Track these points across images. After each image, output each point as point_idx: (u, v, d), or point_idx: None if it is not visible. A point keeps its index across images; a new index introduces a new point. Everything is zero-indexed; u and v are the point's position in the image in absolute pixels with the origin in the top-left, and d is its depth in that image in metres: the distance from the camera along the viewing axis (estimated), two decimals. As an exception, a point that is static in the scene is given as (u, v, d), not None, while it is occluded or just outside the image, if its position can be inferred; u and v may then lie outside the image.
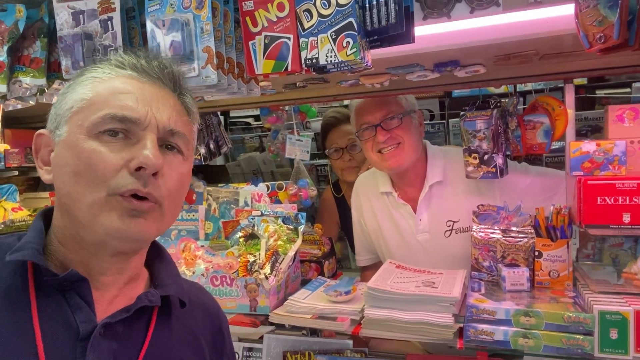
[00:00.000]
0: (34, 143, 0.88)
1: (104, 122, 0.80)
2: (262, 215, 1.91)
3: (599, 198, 1.36)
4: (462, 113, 1.74)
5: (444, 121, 3.11)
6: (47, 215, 0.89)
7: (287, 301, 1.63)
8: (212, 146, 2.19)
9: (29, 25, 1.36)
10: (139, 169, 0.79)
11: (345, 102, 2.65)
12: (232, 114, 3.84)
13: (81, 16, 1.21)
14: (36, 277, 0.80)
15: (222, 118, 3.48)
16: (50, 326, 0.78)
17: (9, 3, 1.34)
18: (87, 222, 0.79)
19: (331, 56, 1.07)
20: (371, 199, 2.06)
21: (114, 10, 1.18)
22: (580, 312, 1.30)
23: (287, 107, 2.27)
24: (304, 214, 1.89)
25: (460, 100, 3.12)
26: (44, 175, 0.87)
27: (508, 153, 1.75)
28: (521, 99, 2.82)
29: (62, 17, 1.22)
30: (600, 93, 2.98)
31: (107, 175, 0.78)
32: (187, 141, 0.89)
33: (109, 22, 1.18)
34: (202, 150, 2.12)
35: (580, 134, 2.74)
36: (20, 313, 0.77)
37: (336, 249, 2.59)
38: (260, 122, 3.56)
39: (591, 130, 2.81)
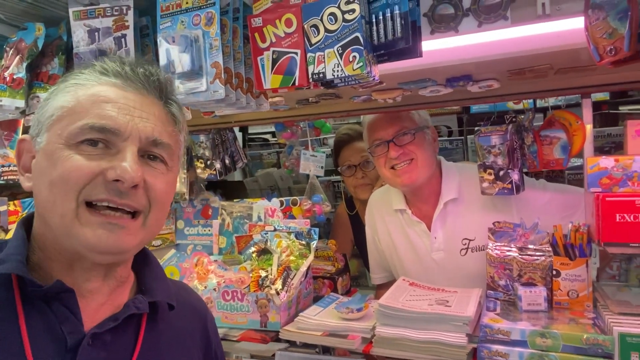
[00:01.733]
0: (17, 148, 0.86)
1: (82, 132, 0.78)
2: (275, 230, 1.91)
3: (617, 215, 1.31)
4: (476, 129, 1.72)
5: (462, 137, 3.09)
6: (28, 222, 0.86)
7: (298, 317, 1.61)
8: (227, 161, 2.21)
9: (48, 43, 1.41)
10: (116, 180, 0.77)
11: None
12: (250, 130, 3.89)
13: (96, 34, 1.25)
14: (21, 288, 0.79)
15: (240, 134, 3.52)
16: (38, 338, 0.77)
17: (29, 22, 1.40)
18: (62, 233, 0.79)
19: (338, 70, 1.07)
20: (385, 216, 2.04)
21: (127, 27, 1.21)
22: (599, 334, 1.24)
23: (301, 123, 2.28)
24: (317, 229, 1.88)
25: (479, 117, 3.10)
26: (24, 182, 0.84)
27: (525, 170, 1.71)
28: (541, 115, 2.78)
29: (79, 35, 1.27)
30: (623, 109, 2.91)
31: (80, 184, 0.77)
32: (171, 152, 0.87)
33: (123, 40, 1.22)
34: (218, 165, 2.14)
35: (603, 151, 2.68)
36: (9, 325, 0.76)
37: (352, 266, 2.56)
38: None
39: (614, 147, 2.74)
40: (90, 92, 0.81)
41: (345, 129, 2.58)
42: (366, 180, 2.44)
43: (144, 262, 0.97)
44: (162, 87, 0.88)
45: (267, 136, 3.87)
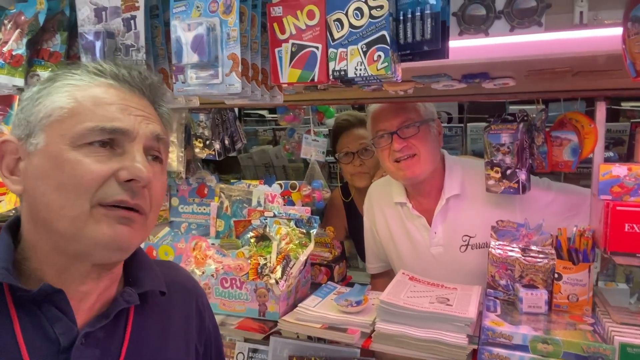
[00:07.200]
0: None
1: (92, 134, 0.77)
2: (274, 216, 1.88)
3: (626, 225, 1.31)
4: (486, 125, 1.69)
5: (462, 125, 3.04)
6: (15, 226, 0.85)
7: (297, 308, 1.60)
8: (227, 142, 2.15)
9: (49, 17, 1.31)
10: (129, 180, 0.78)
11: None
12: (246, 105, 3.79)
13: (104, 13, 1.17)
14: (13, 292, 0.79)
15: (235, 109, 3.44)
16: (33, 340, 0.77)
17: (29, -6, 1.30)
18: (71, 235, 0.77)
19: (360, 69, 1.02)
20: (384, 208, 2.01)
21: (137, 9, 1.13)
22: (600, 342, 1.26)
23: (304, 106, 2.23)
24: (317, 217, 1.85)
25: (480, 105, 3.06)
26: (12, 185, 0.82)
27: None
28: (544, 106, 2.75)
29: (84, 13, 1.18)
30: (625, 105, 2.90)
31: (93, 186, 0.77)
32: (167, 149, 0.89)
33: (132, 21, 1.14)
34: (217, 146, 2.09)
35: (602, 147, 2.67)
36: (4, 330, 0.76)
37: (345, 246, 2.55)
38: (274, 115, 3.51)
39: (613, 143, 2.73)
40: (89, 93, 0.81)
41: (345, 114, 2.50)
42: (364, 169, 2.38)
43: None
44: (155, 91, 0.89)
45: (264, 112, 3.78)
